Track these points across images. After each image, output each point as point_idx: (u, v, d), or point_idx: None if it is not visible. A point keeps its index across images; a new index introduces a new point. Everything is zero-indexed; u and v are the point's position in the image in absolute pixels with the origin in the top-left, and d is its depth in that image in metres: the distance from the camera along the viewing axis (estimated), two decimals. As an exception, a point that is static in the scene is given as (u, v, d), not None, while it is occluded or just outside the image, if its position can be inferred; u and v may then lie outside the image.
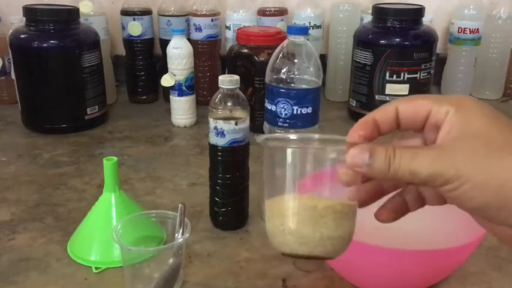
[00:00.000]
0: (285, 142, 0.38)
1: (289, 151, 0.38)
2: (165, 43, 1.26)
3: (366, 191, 0.39)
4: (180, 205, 0.63)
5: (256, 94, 1.14)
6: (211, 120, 0.71)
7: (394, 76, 1.17)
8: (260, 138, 0.39)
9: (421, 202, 0.39)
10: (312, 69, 0.74)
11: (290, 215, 0.37)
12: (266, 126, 0.77)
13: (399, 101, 0.36)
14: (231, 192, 0.76)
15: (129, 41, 1.37)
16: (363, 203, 0.39)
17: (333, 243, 0.37)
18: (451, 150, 0.32)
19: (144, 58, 1.39)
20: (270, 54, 0.77)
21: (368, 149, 0.34)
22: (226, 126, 0.70)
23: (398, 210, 0.39)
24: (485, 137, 0.32)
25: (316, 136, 0.39)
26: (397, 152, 0.33)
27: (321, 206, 0.36)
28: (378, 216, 0.40)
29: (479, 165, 0.32)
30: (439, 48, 1.31)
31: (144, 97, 1.41)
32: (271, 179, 0.40)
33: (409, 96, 0.37)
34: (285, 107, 0.73)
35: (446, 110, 0.34)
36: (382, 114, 0.36)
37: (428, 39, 1.19)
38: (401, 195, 0.39)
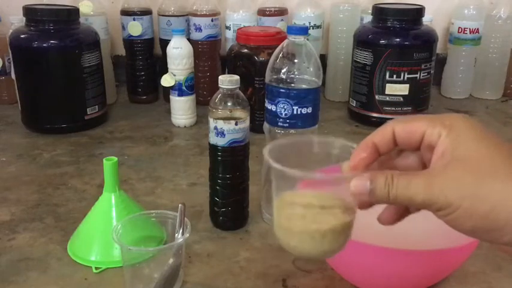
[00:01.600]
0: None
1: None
2: (165, 43, 1.26)
3: (393, 211, 0.41)
4: (180, 205, 0.62)
5: (256, 94, 1.14)
6: (211, 120, 0.71)
7: (394, 76, 1.17)
8: (266, 150, 0.42)
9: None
10: (312, 69, 0.74)
11: (294, 234, 0.41)
12: (266, 126, 0.77)
13: (395, 122, 0.39)
14: (231, 192, 0.76)
15: (129, 41, 1.37)
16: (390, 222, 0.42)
17: (332, 251, 0.41)
18: (440, 178, 0.35)
19: (144, 58, 1.39)
20: (270, 54, 0.77)
21: (369, 178, 0.37)
22: (226, 126, 0.70)
23: (400, 213, 0.41)
24: (473, 162, 0.34)
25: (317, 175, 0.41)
26: (394, 181, 0.36)
27: (323, 228, 0.39)
28: (381, 220, 0.42)
29: (467, 192, 0.34)
30: (439, 48, 1.32)
31: (144, 97, 1.41)
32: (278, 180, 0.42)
33: (405, 117, 0.39)
34: (285, 107, 0.73)
35: (438, 133, 0.36)
36: (380, 137, 0.39)
37: (428, 39, 1.19)
38: None
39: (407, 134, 0.38)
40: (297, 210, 0.41)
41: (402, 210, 0.41)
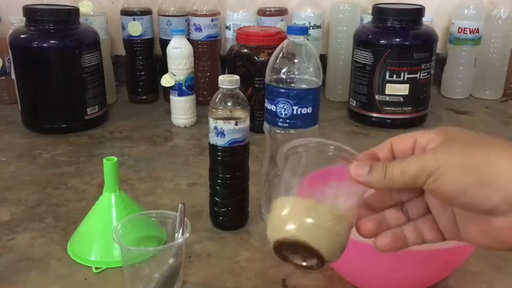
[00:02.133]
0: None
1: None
2: (165, 43, 1.26)
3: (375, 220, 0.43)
4: (180, 205, 0.62)
5: (256, 94, 1.14)
6: (211, 120, 0.71)
7: (394, 76, 1.17)
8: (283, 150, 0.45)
9: (420, 238, 0.43)
10: (312, 69, 0.74)
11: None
12: (266, 126, 0.77)
13: (393, 138, 0.43)
14: (231, 192, 0.76)
15: (129, 41, 1.37)
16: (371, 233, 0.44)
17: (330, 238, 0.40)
18: (433, 151, 0.38)
19: (144, 58, 1.39)
20: (270, 54, 0.77)
21: (369, 163, 0.40)
22: (226, 126, 0.70)
23: (398, 241, 0.43)
24: (462, 140, 0.38)
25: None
26: (391, 164, 0.39)
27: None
28: (379, 243, 0.43)
29: (456, 154, 0.37)
30: (439, 48, 1.32)
31: (144, 97, 1.41)
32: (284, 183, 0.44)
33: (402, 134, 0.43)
34: (285, 107, 0.73)
35: (428, 136, 0.40)
36: (380, 149, 0.42)
37: (428, 39, 1.19)
38: (402, 230, 0.43)
39: (402, 144, 0.42)
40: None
41: (400, 238, 0.43)
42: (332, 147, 0.47)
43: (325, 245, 0.39)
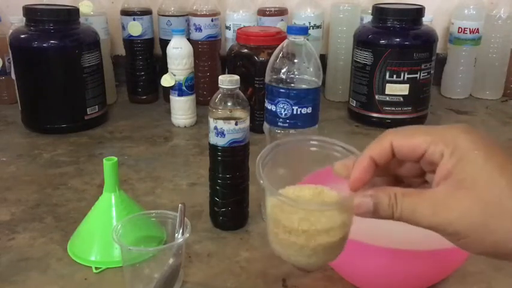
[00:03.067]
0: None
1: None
2: (165, 43, 1.26)
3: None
4: (180, 205, 0.62)
5: (256, 94, 1.14)
6: (211, 120, 0.71)
7: (394, 76, 1.17)
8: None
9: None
10: (312, 69, 0.74)
11: (299, 252, 0.40)
12: (266, 126, 0.77)
13: (394, 134, 0.38)
14: (231, 192, 0.76)
15: (129, 41, 1.37)
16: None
17: (321, 263, 0.41)
18: (447, 207, 0.34)
19: (144, 58, 1.39)
20: (270, 54, 0.77)
21: (371, 198, 0.36)
22: (226, 126, 0.70)
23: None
24: (479, 191, 0.33)
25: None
26: (398, 202, 0.36)
27: (311, 244, 0.39)
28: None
29: (475, 224, 0.33)
30: (439, 48, 1.32)
31: (144, 97, 1.41)
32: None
33: (403, 129, 0.38)
34: (285, 107, 0.73)
35: (440, 152, 0.35)
36: (377, 151, 0.38)
37: (428, 39, 1.19)
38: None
39: (407, 151, 0.37)
40: (293, 228, 0.39)
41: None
42: (315, 142, 0.45)
43: (321, 262, 0.41)
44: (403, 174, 0.40)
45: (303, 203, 0.40)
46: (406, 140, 0.37)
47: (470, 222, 0.34)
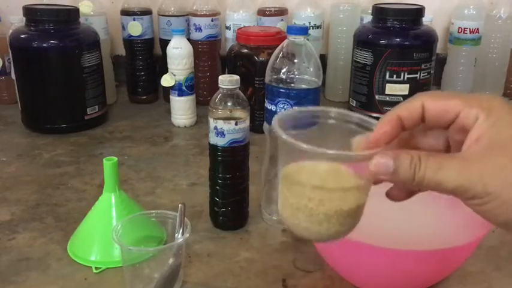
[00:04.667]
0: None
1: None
2: (165, 43, 1.26)
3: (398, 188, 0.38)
4: (180, 205, 0.62)
5: (256, 94, 1.14)
6: (211, 120, 0.71)
7: (394, 76, 1.17)
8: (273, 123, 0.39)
9: None
10: (312, 69, 0.74)
11: (310, 218, 0.37)
12: (266, 126, 0.77)
13: (426, 96, 0.35)
14: (231, 192, 0.76)
15: (129, 41, 1.37)
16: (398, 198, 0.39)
17: (346, 233, 0.38)
18: (479, 164, 0.32)
19: (144, 58, 1.39)
20: (270, 54, 0.77)
21: (392, 157, 0.33)
22: (226, 126, 0.70)
23: (411, 190, 0.39)
24: None
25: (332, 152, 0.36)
26: (422, 162, 0.33)
27: (323, 208, 0.37)
28: (390, 195, 0.39)
29: (508, 182, 0.31)
30: (439, 48, 1.31)
31: (144, 97, 1.41)
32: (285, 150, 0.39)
33: (436, 92, 0.36)
34: (285, 107, 0.73)
35: (475, 115, 0.33)
36: (406, 111, 0.35)
37: (428, 39, 1.19)
38: None
39: (439, 113, 0.34)
40: (306, 190, 0.37)
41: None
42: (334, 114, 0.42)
43: (332, 232, 0.38)
44: (425, 147, 0.38)
45: (322, 152, 0.35)
46: (440, 101, 0.34)
47: (504, 179, 0.31)
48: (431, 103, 0.35)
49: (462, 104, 0.33)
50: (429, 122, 0.35)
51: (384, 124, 0.36)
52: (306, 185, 0.37)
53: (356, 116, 0.41)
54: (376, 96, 1.20)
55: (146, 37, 1.36)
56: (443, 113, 0.34)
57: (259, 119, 1.12)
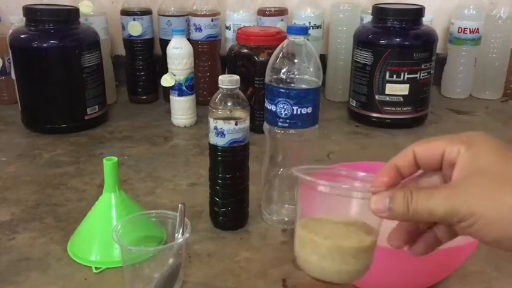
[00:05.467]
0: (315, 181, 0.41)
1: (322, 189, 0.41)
2: (165, 43, 1.26)
3: (406, 231, 0.42)
4: (180, 205, 0.62)
5: (256, 94, 1.14)
6: (211, 120, 0.71)
7: (394, 76, 1.17)
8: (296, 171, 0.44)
9: (452, 234, 0.40)
10: (312, 69, 0.74)
11: (315, 250, 0.42)
12: (266, 126, 0.77)
13: (416, 144, 0.39)
14: (231, 192, 0.76)
15: (129, 41, 1.37)
16: (403, 244, 0.43)
17: (350, 275, 0.42)
18: (463, 188, 0.35)
19: (144, 58, 1.39)
20: (270, 54, 0.77)
21: (388, 195, 0.37)
22: (226, 126, 0.70)
23: (431, 244, 0.42)
24: (493, 172, 0.35)
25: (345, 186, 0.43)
26: (414, 195, 0.36)
27: (344, 246, 0.40)
28: (413, 251, 0.42)
29: (491, 201, 0.34)
30: (439, 48, 1.32)
31: (144, 97, 1.41)
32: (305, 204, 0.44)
33: (425, 139, 0.40)
34: (285, 107, 0.73)
35: (458, 149, 0.36)
36: (401, 160, 0.39)
37: (428, 39, 1.19)
38: (433, 231, 0.41)
39: (428, 154, 0.38)
40: (323, 231, 0.41)
41: (433, 241, 0.41)
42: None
43: (348, 279, 0.42)
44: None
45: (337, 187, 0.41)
46: (427, 144, 0.39)
47: (485, 200, 0.34)
48: (420, 148, 0.39)
49: (446, 143, 0.37)
50: (422, 166, 0.39)
51: (383, 174, 0.39)
52: (318, 222, 0.42)
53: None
54: (376, 96, 1.20)
55: (146, 37, 1.36)
56: (431, 155, 0.38)
57: (259, 119, 1.12)
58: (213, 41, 1.36)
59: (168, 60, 1.18)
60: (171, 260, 0.60)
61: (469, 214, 0.34)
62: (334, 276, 0.42)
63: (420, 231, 0.42)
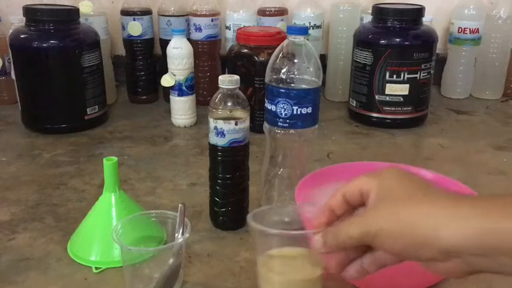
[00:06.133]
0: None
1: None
2: (165, 43, 1.26)
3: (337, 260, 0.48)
4: (180, 205, 0.62)
5: (256, 94, 1.14)
6: (211, 120, 0.71)
7: (394, 76, 1.17)
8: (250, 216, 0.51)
9: (379, 265, 0.46)
10: (312, 69, 0.74)
11: (272, 285, 0.53)
12: (266, 126, 0.77)
13: (343, 186, 0.46)
14: (231, 192, 0.76)
15: (129, 41, 1.37)
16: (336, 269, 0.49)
17: None
18: (372, 211, 0.43)
19: (144, 58, 1.39)
20: (270, 54, 0.77)
21: (322, 235, 0.46)
22: (226, 126, 0.70)
23: (362, 274, 0.48)
24: (394, 195, 0.42)
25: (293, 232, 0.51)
26: (338, 228, 0.44)
27: (294, 280, 0.51)
28: (345, 276, 0.48)
29: (391, 216, 0.41)
30: (439, 48, 1.32)
31: (144, 97, 1.41)
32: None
33: (352, 180, 0.46)
34: (285, 107, 0.73)
35: (371, 183, 0.44)
36: (334, 202, 0.47)
37: (428, 39, 1.19)
38: (361, 263, 0.47)
39: (351, 193, 0.45)
40: (278, 267, 0.51)
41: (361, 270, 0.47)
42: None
43: None
44: None
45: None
46: (350, 185, 0.46)
47: (388, 216, 0.41)
48: (346, 189, 0.46)
49: (362, 182, 0.45)
50: (351, 203, 0.46)
51: (320, 216, 0.47)
52: (273, 258, 0.51)
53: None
54: (376, 96, 1.20)
55: (146, 37, 1.36)
56: (354, 193, 0.45)
57: (259, 119, 1.12)
58: (213, 41, 1.36)
59: (168, 60, 1.18)
60: (171, 260, 0.60)
61: (379, 230, 0.41)
62: None
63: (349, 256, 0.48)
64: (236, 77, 0.70)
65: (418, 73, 1.17)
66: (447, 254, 0.40)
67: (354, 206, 0.46)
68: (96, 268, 0.67)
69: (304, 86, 0.73)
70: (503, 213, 0.38)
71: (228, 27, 1.36)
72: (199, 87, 1.33)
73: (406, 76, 1.16)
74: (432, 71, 1.21)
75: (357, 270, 0.47)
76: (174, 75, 1.18)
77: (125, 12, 1.35)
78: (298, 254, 0.49)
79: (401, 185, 0.43)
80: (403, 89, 1.18)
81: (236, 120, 0.70)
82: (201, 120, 1.23)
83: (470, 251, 0.40)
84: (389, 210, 0.41)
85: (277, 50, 0.74)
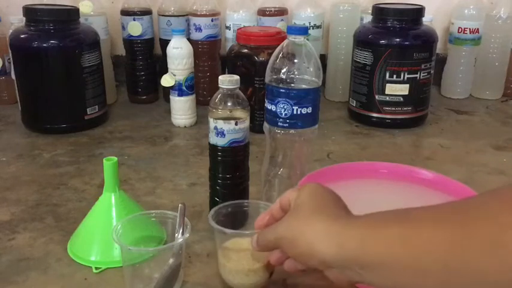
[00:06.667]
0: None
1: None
2: (165, 43, 1.26)
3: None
4: (180, 205, 0.62)
5: (256, 94, 1.14)
6: (211, 120, 0.71)
7: (394, 76, 1.17)
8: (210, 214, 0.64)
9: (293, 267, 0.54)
10: (312, 69, 0.74)
11: (224, 270, 0.64)
12: (266, 126, 0.77)
13: (282, 195, 0.55)
14: (231, 192, 0.75)
15: (129, 41, 1.37)
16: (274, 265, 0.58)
17: (249, 286, 0.62)
18: (286, 219, 0.51)
19: (144, 58, 1.39)
20: (270, 54, 0.77)
21: (257, 236, 0.55)
22: (226, 126, 0.70)
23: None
24: (302, 208, 0.50)
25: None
26: (266, 230, 0.54)
27: (238, 269, 0.62)
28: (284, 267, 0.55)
29: (290, 227, 0.50)
30: (439, 48, 1.32)
31: (144, 97, 1.41)
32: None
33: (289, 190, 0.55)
34: (285, 107, 0.73)
35: (293, 194, 0.52)
36: (274, 208, 0.56)
37: (428, 39, 1.19)
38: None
39: (284, 202, 0.54)
40: (230, 256, 0.62)
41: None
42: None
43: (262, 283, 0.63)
44: None
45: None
46: (285, 195, 0.54)
47: (291, 227, 0.49)
48: (282, 197, 0.55)
49: (291, 193, 0.53)
50: (285, 210, 0.54)
51: (262, 217, 0.57)
52: (228, 250, 0.63)
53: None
54: (376, 96, 1.20)
55: (146, 37, 1.36)
56: (286, 202, 0.54)
57: (259, 119, 1.12)
58: (213, 41, 1.36)
59: (168, 60, 1.18)
60: (171, 260, 0.60)
61: (282, 238, 0.50)
62: (238, 286, 0.62)
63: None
64: (236, 77, 0.70)
65: (418, 73, 1.17)
66: (325, 265, 0.46)
67: (287, 213, 0.54)
68: (96, 268, 0.67)
69: (304, 86, 0.73)
70: (361, 235, 0.44)
71: (228, 27, 1.36)
72: (199, 87, 1.33)
73: (406, 76, 1.17)
74: (432, 71, 1.21)
75: (289, 266, 0.53)
76: (174, 75, 1.18)
77: (125, 12, 1.35)
78: (249, 246, 0.57)
79: (311, 200, 0.50)
80: (403, 89, 1.18)
81: (236, 120, 0.70)
82: (201, 120, 1.23)
83: (338, 264, 0.45)
84: (291, 222, 0.50)
85: (277, 50, 0.74)
